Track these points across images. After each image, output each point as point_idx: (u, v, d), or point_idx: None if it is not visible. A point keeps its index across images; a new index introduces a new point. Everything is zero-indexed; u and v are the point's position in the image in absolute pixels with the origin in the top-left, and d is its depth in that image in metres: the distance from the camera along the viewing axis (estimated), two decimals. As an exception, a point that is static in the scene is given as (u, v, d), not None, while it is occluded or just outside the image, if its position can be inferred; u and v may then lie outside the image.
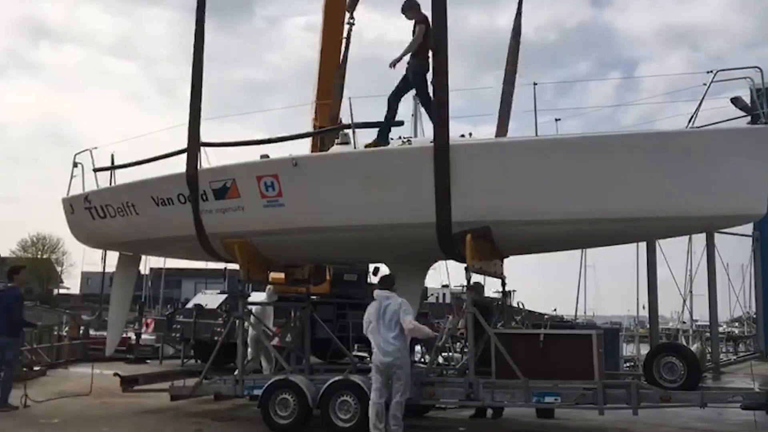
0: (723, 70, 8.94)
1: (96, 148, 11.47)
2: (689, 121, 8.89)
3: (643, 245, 17.59)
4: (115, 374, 11.65)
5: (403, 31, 15.91)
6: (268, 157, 10.16)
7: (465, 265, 9.16)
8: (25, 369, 13.80)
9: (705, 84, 8.87)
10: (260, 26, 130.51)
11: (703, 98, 8.88)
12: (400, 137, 10.06)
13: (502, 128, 10.77)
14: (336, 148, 11.01)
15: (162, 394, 12.26)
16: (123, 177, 11.65)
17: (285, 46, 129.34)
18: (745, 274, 26.14)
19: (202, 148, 10.19)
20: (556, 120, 9.25)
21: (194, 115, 10.23)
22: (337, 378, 9.49)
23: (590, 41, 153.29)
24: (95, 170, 11.46)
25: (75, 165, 11.34)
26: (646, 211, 8.52)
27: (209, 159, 10.30)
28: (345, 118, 12.69)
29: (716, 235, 20.78)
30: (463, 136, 10.29)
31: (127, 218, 10.90)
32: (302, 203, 9.44)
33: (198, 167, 10.09)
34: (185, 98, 10.73)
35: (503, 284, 11.47)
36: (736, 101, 25.57)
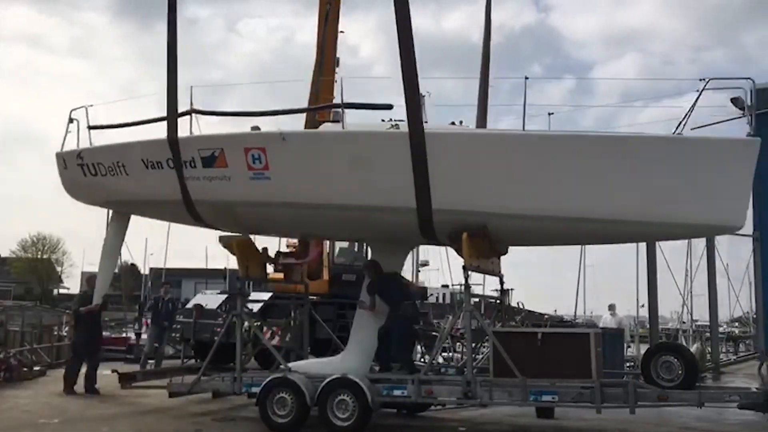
0: (716, 78, 9.00)
1: (92, 105, 11.51)
2: (677, 127, 8.78)
3: (643, 245, 17.58)
4: (114, 371, 11.66)
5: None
6: (258, 129, 10.14)
7: (462, 263, 9.25)
8: (25, 369, 13.82)
9: (695, 90, 8.88)
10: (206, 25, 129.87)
11: (693, 106, 8.87)
12: (391, 119, 10.00)
13: (481, 121, 11.03)
14: (326, 126, 11.09)
15: (161, 394, 12.27)
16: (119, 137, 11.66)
17: (237, 46, 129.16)
18: (745, 274, 26.14)
19: (194, 115, 10.30)
20: (549, 114, 9.33)
21: (172, 82, 10.27)
22: (334, 376, 9.44)
23: (540, 45, 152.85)
24: (89, 128, 11.43)
25: (71, 121, 11.43)
26: (624, 214, 8.62)
27: (200, 127, 10.38)
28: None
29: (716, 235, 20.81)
30: (453, 123, 10.48)
31: (117, 178, 10.93)
32: (288, 178, 9.48)
33: (179, 133, 10.16)
34: (146, 95, 11.38)
35: (501, 282, 11.49)
36: (735, 101, 25.56)
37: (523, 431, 10.58)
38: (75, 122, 11.39)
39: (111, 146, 11.33)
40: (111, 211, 12.55)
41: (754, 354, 23.74)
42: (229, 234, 11.72)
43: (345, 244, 18.88)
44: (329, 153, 9.55)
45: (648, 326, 17.90)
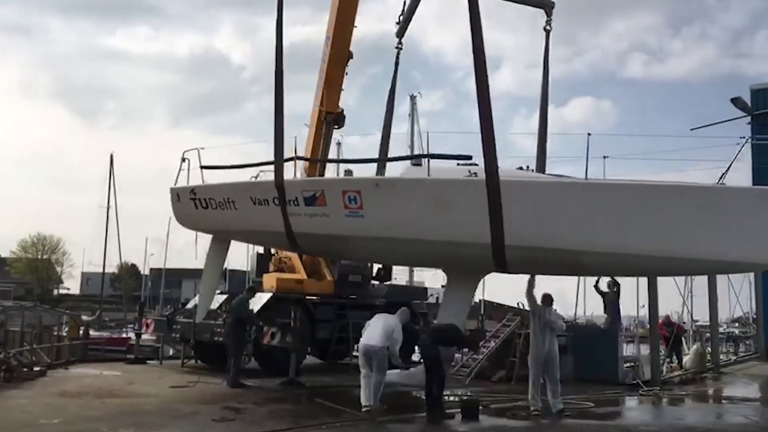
0: (754, 136, 10.44)
1: (203, 148, 13.44)
2: (720, 178, 10.14)
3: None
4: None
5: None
6: (351, 173, 13.02)
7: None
8: (25, 369, 13.80)
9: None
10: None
11: (732, 161, 10.24)
12: (463, 164, 11.79)
13: (541, 163, 12.66)
14: (409, 170, 12.70)
15: (161, 395, 12.29)
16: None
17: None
18: (746, 274, 26.07)
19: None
20: (605, 158, 10.96)
21: (278, 133, 12.15)
22: None
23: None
24: (202, 167, 13.40)
25: (183, 160, 13.44)
26: (670, 251, 10.10)
27: (296, 171, 13.03)
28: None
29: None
30: (521, 168, 12.23)
31: (226, 211, 13.08)
32: (379, 216, 11.22)
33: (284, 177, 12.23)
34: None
35: None
36: (736, 101, 25.63)
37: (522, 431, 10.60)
38: (187, 161, 13.46)
39: (223, 185, 13.50)
40: (212, 237, 14.55)
41: (754, 354, 23.73)
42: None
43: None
44: (415, 196, 11.28)
45: (648, 326, 17.88)
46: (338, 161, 14.12)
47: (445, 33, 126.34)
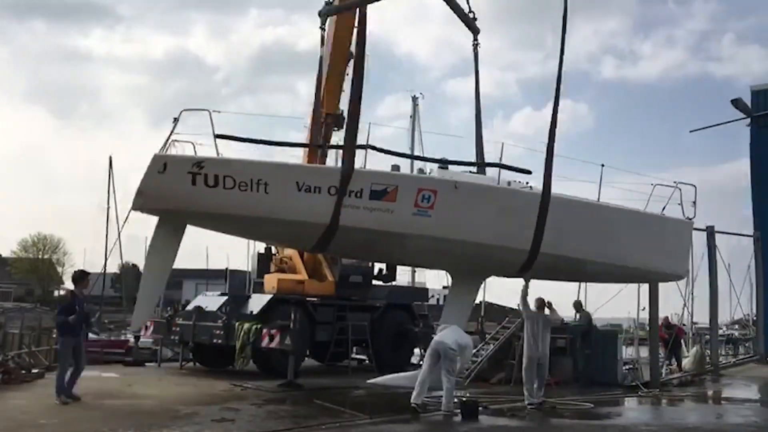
0: (660, 184, 13.64)
1: (219, 111, 11.06)
2: (662, 209, 14.07)
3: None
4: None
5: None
6: (398, 168, 12.82)
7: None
8: (23, 371, 13.79)
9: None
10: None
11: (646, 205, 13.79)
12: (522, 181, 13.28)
13: (547, 175, 12.70)
14: (478, 177, 13.16)
15: (161, 395, 12.27)
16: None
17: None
18: (746, 276, 26.06)
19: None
20: (602, 165, 13.10)
21: (353, 117, 11.44)
22: None
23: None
24: (216, 136, 10.90)
25: (176, 120, 10.87)
26: (638, 263, 13.80)
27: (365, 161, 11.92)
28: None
29: (717, 236, 20.77)
30: (527, 184, 13.16)
31: (247, 194, 10.90)
32: (446, 217, 11.37)
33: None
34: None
35: None
36: (736, 103, 25.70)
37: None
38: (175, 123, 10.91)
39: (258, 163, 11.58)
40: (159, 226, 11.56)
41: (753, 356, 23.70)
42: None
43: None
44: (483, 201, 11.80)
45: (648, 328, 17.88)
46: (409, 157, 14.33)
47: (416, 34, 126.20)
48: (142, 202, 11.22)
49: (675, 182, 14.00)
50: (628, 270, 13.93)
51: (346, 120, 11.61)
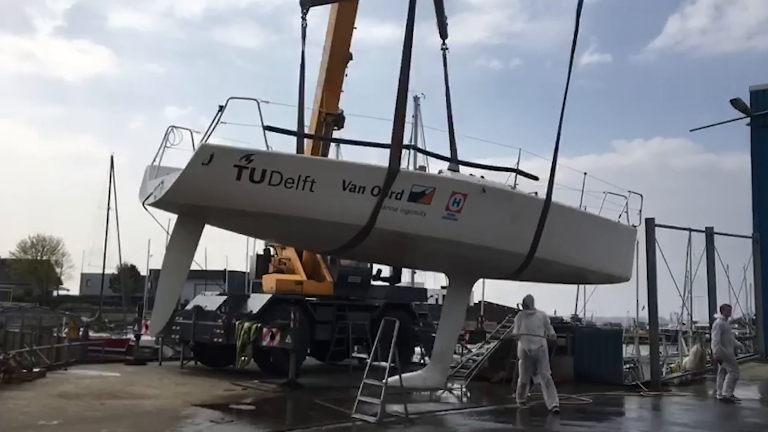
0: (611, 193, 13.42)
1: (268, 102, 10.34)
2: (618, 216, 14.12)
3: (642, 247, 17.60)
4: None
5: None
6: (424, 169, 12.44)
7: None
8: (24, 370, 13.80)
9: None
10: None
11: (601, 209, 13.59)
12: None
13: (551, 182, 12.69)
14: (493, 183, 12.63)
15: (161, 394, 12.27)
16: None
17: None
18: (744, 275, 26.05)
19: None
20: (586, 175, 13.16)
21: (399, 115, 10.87)
22: None
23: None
24: (265, 128, 10.24)
25: (221, 109, 9.94)
26: (598, 266, 13.98)
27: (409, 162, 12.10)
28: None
29: (716, 237, 20.79)
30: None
31: (292, 191, 10.18)
32: (470, 222, 11.14)
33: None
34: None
35: None
36: (735, 103, 25.65)
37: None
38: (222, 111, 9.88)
39: (308, 159, 11.77)
40: (179, 223, 10.83)
41: (753, 355, 23.71)
42: None
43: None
44: (502, 206, 11.69)
45: (648, 327, 17.87)
46: (443, 158, 13.18)
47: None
48: (176, 197, 10.12)
49: (629, 192, 14.33)
50: (588, 272, 14.14)
51: (394, 118, 10.83)
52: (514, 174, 12.34)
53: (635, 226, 14.86)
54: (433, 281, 43.12)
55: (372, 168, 10.74)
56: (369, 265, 18.57)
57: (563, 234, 12.59)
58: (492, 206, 11.54)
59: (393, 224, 10.67)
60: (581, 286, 23.93)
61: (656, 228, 16.87)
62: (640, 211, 14.49)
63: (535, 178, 12.70)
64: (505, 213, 11.76)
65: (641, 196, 14.50)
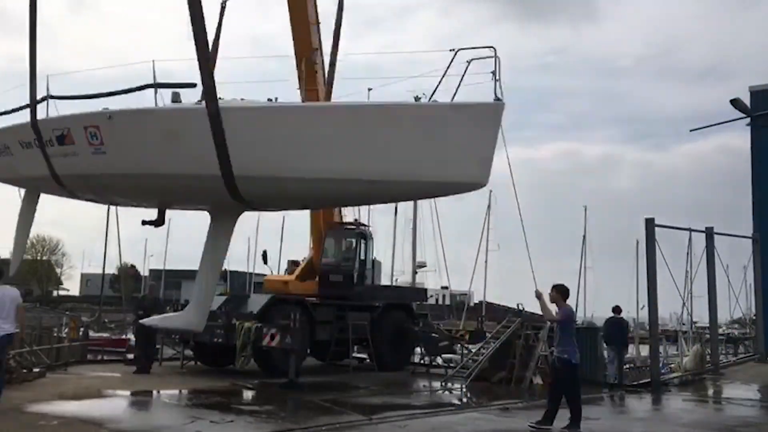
0: (463, 48, 9.62)
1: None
2: (431, 95, 9.93)
3: (643, 247, 17.58)
4: None
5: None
6: (108, 110, 11.14)
7: None
8: (24, 371, 13.80)
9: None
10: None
11: (444, 74, 9.59)
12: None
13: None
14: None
15: (160, 395, 12.27)
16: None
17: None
18: (744, 275, 26.11)
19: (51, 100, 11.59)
20: (369, 90, 11.74)
21: (32, 71, 11.41)
22: None
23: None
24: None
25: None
26: (389, 174, 9.92)
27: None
28: None
29: (716, 237, 20.80)
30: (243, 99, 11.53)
31: (6, 158, 12.29)
32: (120, 152, 10.66)
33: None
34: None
35: None
36: (735, 103, 25.61)
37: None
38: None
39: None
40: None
41: (753, 355, 23.74)
42: None
43: (332, 245, 18.95)
44: (148, 129, 10.70)
45: (648, 327, 17.89)
46: (90, 97, 12.09)
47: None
48: None
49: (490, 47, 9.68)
50: (384, 185, 10.31)
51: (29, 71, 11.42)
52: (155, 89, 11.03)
53: (499, 99, 9.82)
54: (434, 281, 43.34)
55: (24, 125, 11.62)
56: (352, 263, 18.59)
57: (297, 139, 9.99)
58: (133, 131, 10.76)
59: (63, 169, 11.42)
60: (579, 284, 23.95)
61: (656, 228, 16.87)
62: (493, 72, 9.64)
63: (191, 86, 11.25)
64: (155, 134, 10.57)
65: (494, 49, 9.58)
